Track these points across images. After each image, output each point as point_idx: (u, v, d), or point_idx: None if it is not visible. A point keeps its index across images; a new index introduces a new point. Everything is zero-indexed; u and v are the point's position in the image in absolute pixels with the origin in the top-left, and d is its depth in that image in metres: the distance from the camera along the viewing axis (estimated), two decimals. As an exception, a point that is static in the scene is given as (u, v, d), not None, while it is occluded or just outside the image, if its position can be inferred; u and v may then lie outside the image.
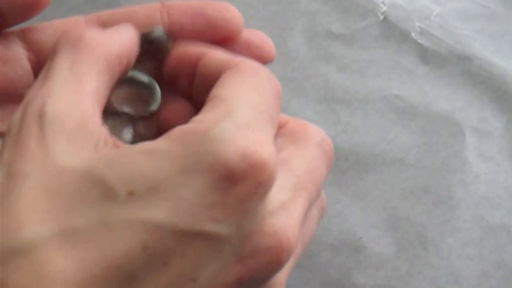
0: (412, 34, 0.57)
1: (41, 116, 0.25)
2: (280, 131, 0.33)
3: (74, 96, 0.26)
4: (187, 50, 0.33)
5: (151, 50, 0.34)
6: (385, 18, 0.58)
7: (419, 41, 0.57)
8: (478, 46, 0.56)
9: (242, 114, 0.27)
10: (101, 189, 0.24)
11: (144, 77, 0.35)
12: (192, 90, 0.34)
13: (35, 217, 0.23)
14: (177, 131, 0.26)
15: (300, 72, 0.55)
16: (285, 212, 0.28)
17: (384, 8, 0.58)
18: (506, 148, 0.51)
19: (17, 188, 0.24)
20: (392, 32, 0.57)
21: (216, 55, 0.32)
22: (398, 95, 0.54)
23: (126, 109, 0.34)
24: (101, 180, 0.24)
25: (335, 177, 0.51)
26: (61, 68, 0.27)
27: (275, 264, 0.27)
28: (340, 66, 0.56)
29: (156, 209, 0.24)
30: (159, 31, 0.35)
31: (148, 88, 0.35)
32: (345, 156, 0.52)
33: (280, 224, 0.27)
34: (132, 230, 0.23)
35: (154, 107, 0.35)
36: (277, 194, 0.28)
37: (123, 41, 0.31)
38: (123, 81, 0.33)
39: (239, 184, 0.25)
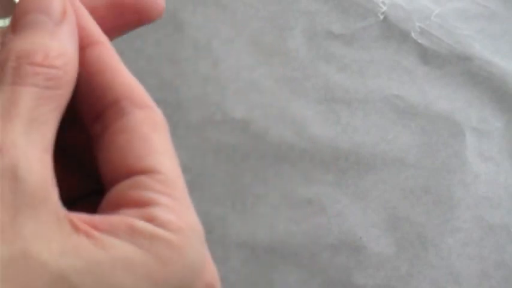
0: (412, 34, 0.57)
1: (15, 180, 0.22)
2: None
3: (41, 154, 0.23)
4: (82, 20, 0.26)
5: None
6: (385, 18, 0.58)
7: (419, 41, 0.57)
8: (478, 46, 0.56)
9: (184, 197, 0.25)
10: None
11: None
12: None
13: None
14: (146, 233, 0.23)
15: (300, 72, 0.55)
16: None
17: (384, 8, 0.58)
18: (506, 148, 0.51)
19: None
20: (392, 32, 0.57)
21: (116, 67, 0.26)
22: (398, 95, 0.54)
23: None
24: (69, 284, 0.22)
25: (335, 177, 0.51)
26: (26, 111, 0.23)
27: None
28: (340, 66, 0.56)
29: None
30: None
31: None
32: (345, 156, 0.52)
33: None
34: None
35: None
36: None
37: (77, 68, 0.25)
38: None
39: None
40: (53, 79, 0.24)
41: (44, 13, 0.25)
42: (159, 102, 0.59)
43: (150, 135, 0.25)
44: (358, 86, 0.55)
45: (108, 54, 0.26)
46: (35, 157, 0.23)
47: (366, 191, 0.50)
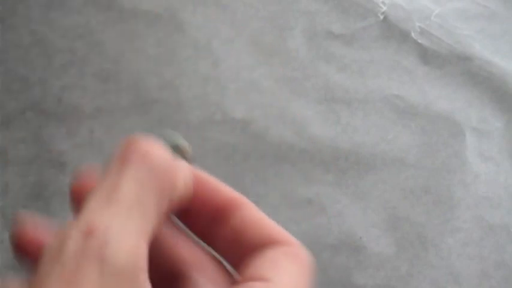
0: (412, 34, 0.57)
1: (102, 263, 0.23)
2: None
3: (135, 243, 0.24)
4: (220, 190, 0.30)
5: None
6: (385, 18, 0.58)
7: (419, 41, 0.57)
8: (478, 46, 0.56)
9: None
10: None
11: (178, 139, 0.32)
12: (209, 233, 0.31)
13: None
14: None
15: (300, 72, 0.55)
16: None
17: (384, 8, 0.58)
18: (506, 148, 0.51)
19: None
20: (393, 32, 0.57)
21: (260, 219, 0.29)
22: (398, 95, 0.54)
23: None
24: None
25: (335, 177, 0.51)
26: (128, 197, 0.25)
27: None
28: (340, 66, 0.56)
29: None
30: (180, 138, 0.32)
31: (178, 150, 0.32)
32: (345, 156, 0.52)
33: None
34: None
35: None
36: None
37: (187, 182, 0.28)
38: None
39: None
40: (155, 171, 0.25)
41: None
42: (159, 102, 0.59)
43: (279, 259, 0.27)
44: (358, 86, 0.55)
45: (252, 211, 0.29)
46: (128, 242, 0.24)
47: (366, 191, 0.50)
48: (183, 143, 0.30)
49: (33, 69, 0.56)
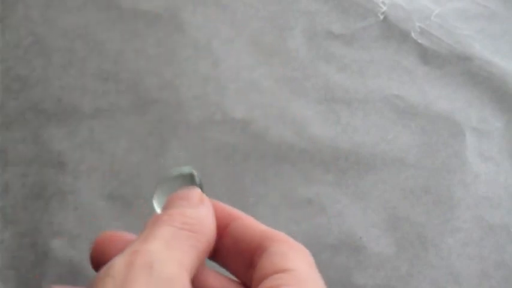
0: (412, 34, 0.57)
1: (150, 270, 0.27)
2: None
3: (178, 265, 0.28)
4: (221, 207, 0.35)
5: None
6: (385, 18, 0.58)
7: (419, 41, 0.57)
8: (478, 46, 0.56)
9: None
10: None
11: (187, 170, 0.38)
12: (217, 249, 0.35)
13: None
14: None
15: (300, 72, 0.55)
16: None
17: (384, 8, 0.58)
18: (506, 148, 0.51)
19: None
20: (392, 32, 0.57)
21: (254, 223, 0.33)
22: (398, 95, 0.54)
23: None
24: None
25: (335, 177, 0.51)
26: (165, 235, 0.29)
27: None
28: (340, 66, 0.56)
29: None
30: (192, 170, 0.38)
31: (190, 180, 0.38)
32: (345, 156, 0.51)
33: None
34: None
35: None
36: None
37: (213, 232, 0.32)
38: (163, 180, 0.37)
39: None
40: (187, 224, 0.30)
41: (185, 199, 0.33)
42: (159, 102, 0.59)
43: (289, 252, 0.31)
44: (358, 86, 0.55)
45: (248, 219, 0.33)
46: (171, 262, 0.28)
47: (366, 191, 0.50)
48: (195, 173, 0.37)
49: (33, 69, 0.56)
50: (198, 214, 0.32)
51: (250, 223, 0.34)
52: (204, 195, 0.34)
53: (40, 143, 0.53)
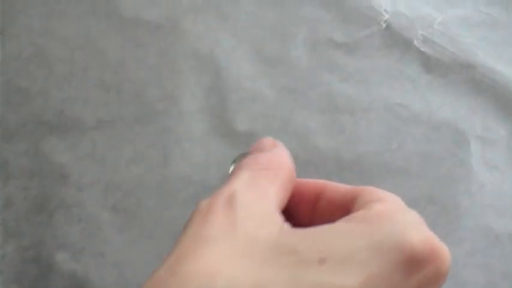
0: (415, 42, 0.57)
1: (231, 201, 0.30)
2: None
3: (260, 198, 0.31)
4: (309, 182, 0.38)
5: None
6: (387, 26, 0.58)
7: (422, 49, 0.57)
8: (481, 54, 0.56)
9: (411, 212, 0.30)
10: (292, 257, 0.27)
11: None
12: (311, 218, 0.37)
13: (228, 270, 0.26)
14: (360, 215, 0.29)
15: (303, 82, 0.55)
16: None
17: (387, 16, 0.58)
18: (511, 156, 0.51)
19: (205, 248, 0.27)
20: (395, 40, 0.57)
21: (337, 186, 0.36)
22: (401, 103, 0.54)
23: None
24: (292, 249, 0.27)
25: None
26: (245, 176, 0.32)
27: None
28: (343, 75, 0.55)
29: (347, 277, 0.26)
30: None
31: None
32: (349, 166, 0.51)
33: None
34: None
35: None
36: None
37: (290, 165, 0.35)
38: None
39: (423, 268, 0.27)
40: (262, 165, 0.33)
41: (259, 148, 0.36)
42: (162, 113, 0.59)
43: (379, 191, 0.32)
44: (361, 95, 0.54)
45: (337, 188, 0.36)
46: (250, 194, 0.30)
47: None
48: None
49: (34, 81, 0.56)
50: (272, 154, 0.35)
51: (339, 186, 0.36)
52: (277, 141, 0.38)
53: (42, 156, 0.52)
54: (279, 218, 0.30)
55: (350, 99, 0.54)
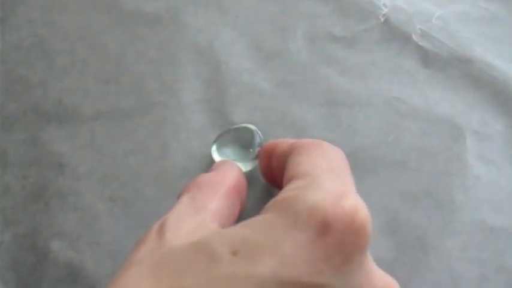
0: (413, 37, 0.57)
1: (162, 225, 0.32)
2: None
3: (195, 214, 0.33)
4: (265, 145, 0.42)
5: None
6: (386, 20, 0.58)
7: (421, 43, 0.57)
8: (479, 49, 0.56)
9: (324, 180, 0.30)
10: (206, 254, 0.27)
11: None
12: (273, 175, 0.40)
13: (145, 285, 0.27)
14: (271, 202, 0.30)
15: (301, 76, 0.55)
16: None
17: (385, 11, 0.58)
18: (507, 151, 0.51)
19: (129, 270, 0.28)
20: (394, 34, 0.57)
21: (283, 143, 0.38)
22: (399, 97, 0.54)
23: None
24: (206, 246, 0.28)
25: (336, 180, 0.51)
26: (185, 199, 0.35)
27: None
28: (341, 69, 0.56)
29: (260, 264, 0.26)
30: (255, 128, 0.49)
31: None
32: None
33: (390, 280, 0.33)
34: (237, 285, 0.26)
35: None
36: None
37: (234, 177, 0.38)
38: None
39: (337, 231, 0.28)
40: (202, 183, 0.37)
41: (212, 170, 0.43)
42: (160, 104, 0.59)
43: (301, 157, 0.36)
44: (359, 89, 0.55)
45: (282, 145, 0.40)
46: (185, 215, 0.33)
47: (366, 194, 0.50)
48: (258, 132, 0.48)
49: (34, 71, 0.56)
50: (215, 172, 0.39)
51: (284, 142, 0.38)
52: (227, 160, 0.43)
53: (40, 145, 0.53)
54: (211, 225, 0.32)
55: (348, 93, 0.54)
